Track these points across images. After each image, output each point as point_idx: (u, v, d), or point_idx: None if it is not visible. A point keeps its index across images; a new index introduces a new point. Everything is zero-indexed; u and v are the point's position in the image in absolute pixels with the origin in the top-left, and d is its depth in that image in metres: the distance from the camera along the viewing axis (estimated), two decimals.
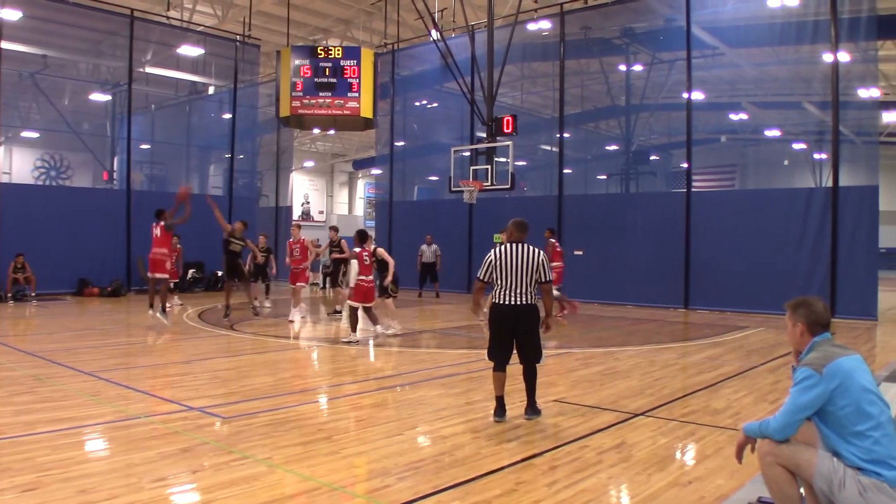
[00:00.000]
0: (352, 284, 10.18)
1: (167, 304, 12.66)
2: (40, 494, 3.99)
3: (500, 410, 5.89)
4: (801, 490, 3.35)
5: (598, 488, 4.29)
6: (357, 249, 10.26)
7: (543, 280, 5.93)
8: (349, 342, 10.21)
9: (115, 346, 10.42)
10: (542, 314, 6.08)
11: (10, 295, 16.05)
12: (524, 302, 5.86)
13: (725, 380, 7.88)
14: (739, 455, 3.49)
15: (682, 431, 5.68)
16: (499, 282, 5.91)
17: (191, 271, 20.28)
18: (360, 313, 10.47)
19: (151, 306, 12.32)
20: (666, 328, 13.23)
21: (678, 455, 5.13)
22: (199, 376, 7.82)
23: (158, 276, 12.23)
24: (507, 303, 5.87)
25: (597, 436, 5.47)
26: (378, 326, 10.50)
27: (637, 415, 6.18)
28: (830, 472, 3.12)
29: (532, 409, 6.01)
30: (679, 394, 7.11)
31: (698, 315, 15.46)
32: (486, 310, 6.42)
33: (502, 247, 5.96)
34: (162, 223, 12.35)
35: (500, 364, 5.98)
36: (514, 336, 5.94)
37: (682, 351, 10.24)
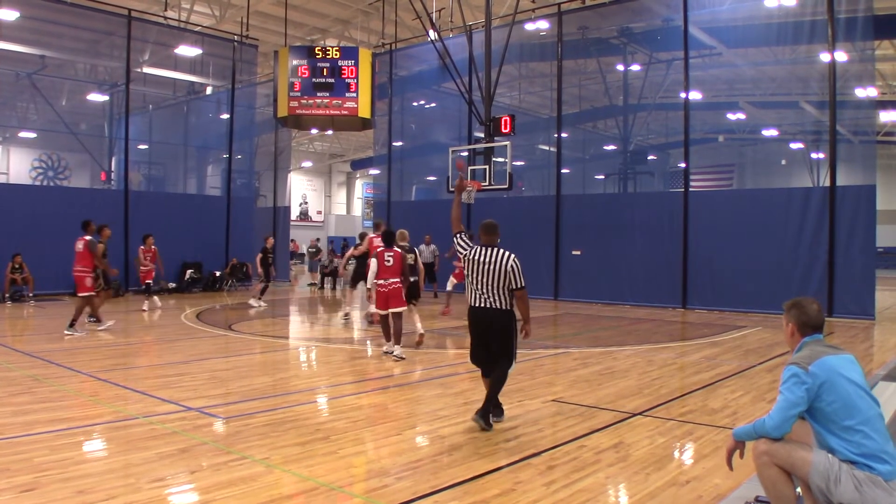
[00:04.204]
0: (368, 286, 9.29)
1: (85, 319, 12.21)
2: (39, 495, 3.99)
3: (496, 411, 5.85)
4: (798, 490, 3.38)
5: (595, 488, 4.30)
6: (380, 249, 9.33)
7: (515, 287, 5.70)
8: (389, 353, 9.20)
9: (114, 346, 10.41)
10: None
11: (7, 295, 16.03)
12: (495, 306, 5.71)
13: (723, 379, 7.89)
14: (729, 460, 3.54)
15: (679, 431, 5.69)
16: (471, 284, 5.83)
17: (189, 272, 20.30)
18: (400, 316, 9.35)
19: (96, 319, 11.57)
20: (664, 328, 13.24)
21: (676, 454, 5.15)
22: (197, 377, 7.81)
23: (82, 294, 11.23)
24: (479, 305, 5.78)
25: (595, 435, 5.48)
26: (395, 349, 9.12)
27: (635, 414, 6.19)
28: (826, 469, 3.17)
29: (483, 414, 5.58)
30: (677, 393, 7.12)
31: (696, 314, 15.48)
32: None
33: (475, 250, 5.82)
34: (86, 238, 11.28)
35: (485, 370, 5.91)
36: (486, 340, 5.82)
37: (680, 350, 10.25)
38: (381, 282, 9.10)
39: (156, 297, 15.55)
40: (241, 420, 5.84)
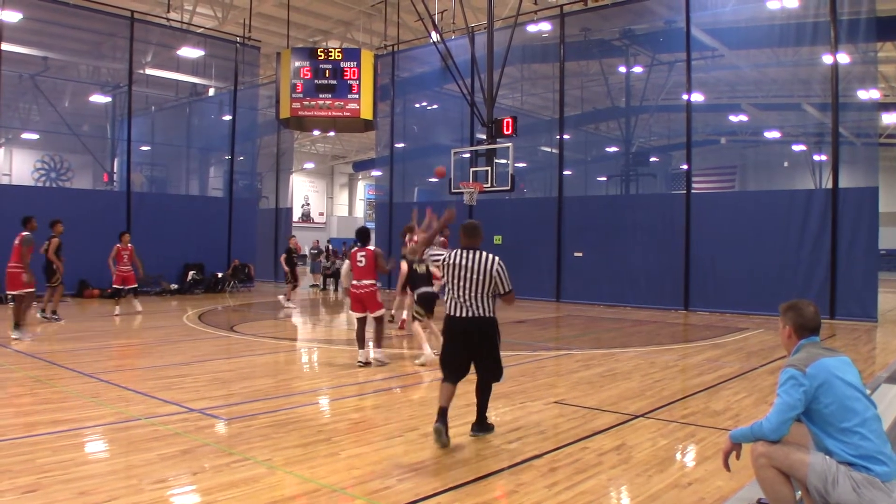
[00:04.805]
0: (344, 285, 9.21)
1: (48, 319, 12.34)
2: (40, 496, 3.99)
3: (446, 434, 5.16)
4: (798, 494, 3.38)
5: (598, 490, 4.29)
6: (353, 249, 8.81)
7: (503, 291, 5.28)
8: (361, 363, 8.57)
9: (116, 347, 10.43)
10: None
11: (9, 296, 16.01)
12: (479, 314, 5.23)
13: (725, 381, 7.88)
14: (726, 462, 3.55)
15: (682, 433, 5.68)
16: (451, 291, 5.32)
17: (191, 273, 20.33)
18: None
19: (17, 326, 10.35)
20: (666, 330, 13.23)
21: (678, 456, 5.14)
22: (199, 378, 7.81)
23: (19, 292, 10.62)
24: (460, 315, 5.25)
25: (597, 437, 5.47)
26: (375, 352, 8.66)
27: (637, 416, 6.18)
28: (824, 470, 3.18)
29: (480, 426, 5.45)
30: (679, 395, 7.11)
31: (698, 316, 15.46)
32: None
33: (454, 254, 5.36)
34: (23, 234, 10.78)
35: (452, 379, 5.36)
36: (471, 353, 5.32)
37: (682, 352, 10.24)
38: (355, 282, 8.58)
39: (136, 301, 14.59)
40: (243, 421, 5.84)
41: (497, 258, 5.30)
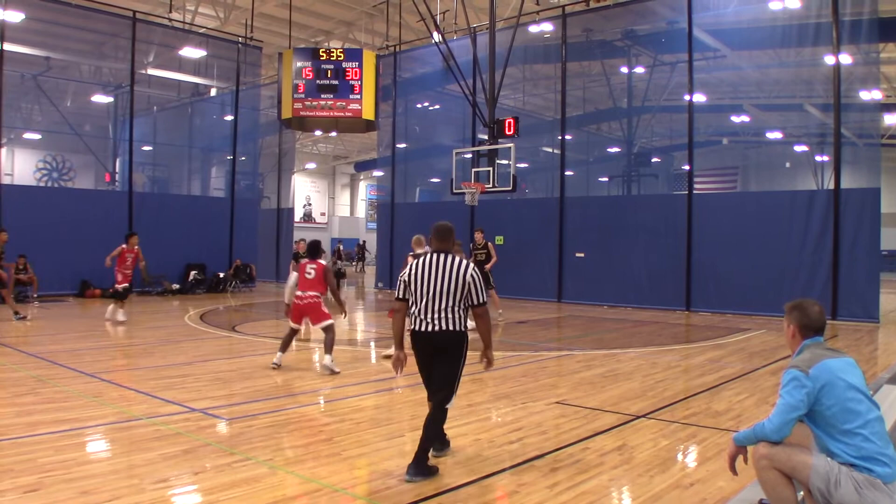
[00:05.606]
0: (286, 300, 8.68)
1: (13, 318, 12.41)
2: (42, 495, 3.99)
3: (439, 444, 4.91)
4: (800, 494, 3.38)
5: (599, 490, 4.29)
6: (303, 261, 8.67)
7: (475, 302, 4.62)
8: (276, 365, 8.43)
9: (117, 347, 10.44)
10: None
11: (12, 296, 16.04)
12: (444, 328, 4.56)
13: (727, 382, 7.87)
14: (732, 466, 3.55)
15: (683, 433, 5.68)
16: (415, 302, 4.65)
17: (193, 273, 20.35)
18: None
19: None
20: (667, 330, 13.22)
21: (680, 457, 5.13)
22: (200, 378, 7.82)
23: None
24: (422, 329, 4.61)
25: (598, 438, 5.47)
26: (326, 359, 8.26)
27: (639, 417, 6.18)
28: (826, 472, 3.18)
29: (417, 466, 4.41)
30: (681, 396, 7.10)
31: (700, 317, 15.45)
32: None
33: (422, 258, 4.74)
34: None
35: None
36: (433, 366, 4.71)
37: (684, 353, 10.23)
38: (300, 293, 8.44)
39: (121, 310, 12.94)
40: (245, 421, 5.84)
41: (472, 264, 4.72)
